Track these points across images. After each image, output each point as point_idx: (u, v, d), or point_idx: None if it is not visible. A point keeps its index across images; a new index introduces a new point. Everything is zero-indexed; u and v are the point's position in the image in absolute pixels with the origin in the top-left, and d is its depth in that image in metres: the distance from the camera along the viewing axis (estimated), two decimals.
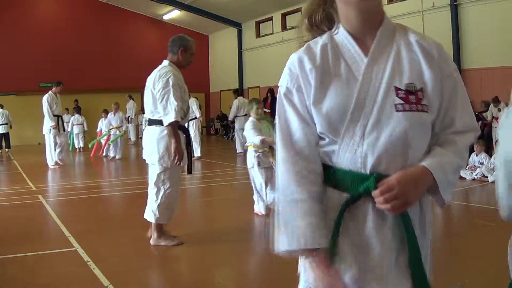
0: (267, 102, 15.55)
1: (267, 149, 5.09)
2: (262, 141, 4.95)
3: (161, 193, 3.93)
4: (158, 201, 3.92)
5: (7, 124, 15.33)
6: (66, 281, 3.32)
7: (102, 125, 12.68)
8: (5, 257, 3.84)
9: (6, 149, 15.14)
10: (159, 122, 3.89)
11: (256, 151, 5.07)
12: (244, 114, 12.77)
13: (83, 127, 14.95)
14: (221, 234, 4.67)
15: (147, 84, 4.01)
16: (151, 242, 4.03)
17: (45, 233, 4.71)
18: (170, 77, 3.85)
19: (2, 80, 17.62)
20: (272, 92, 16.03)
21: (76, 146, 14.59)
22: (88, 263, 3.62)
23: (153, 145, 3.90)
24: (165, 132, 3.87)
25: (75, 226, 4.92)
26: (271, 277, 3.44)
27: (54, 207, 6.06)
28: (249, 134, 5.14)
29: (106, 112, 12.92)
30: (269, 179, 5.13)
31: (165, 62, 4.05)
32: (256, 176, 5.11)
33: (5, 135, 15.28)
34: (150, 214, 3.96)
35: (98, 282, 3.21)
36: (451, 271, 3.32)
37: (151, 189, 3.96)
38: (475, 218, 5.01)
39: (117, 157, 11.67)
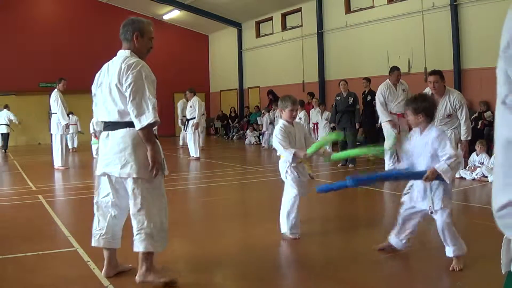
0: (270, 105, 15.54)
1: (304, 161, 4.23)
2: (294, 156, 4.05)
3: (152, 212, 3.13)
4: (152, 224, 3.11)
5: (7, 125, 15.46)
6: (66, 281, 3.32)
7: (96, 125, 12.61)
8: (5, 257, 3.84)
9: (3, 150, 15.20)
10: (131, 125, 3.10)
11: (289, 162, 4.18)
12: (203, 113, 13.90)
13: (77, 127, 15.00)
14: (221, 234, 4.67)
15: (103, 79, 3.29)
16: (137, 278, 3.15)
17: (45, 233, 4.70)
18: (142, 68, 3.10)
19: (2, 80, 17.63)
20: (273, 94, 16.01)
21: (70, 146, 14.58)
22: (88, 263, 3.62)
23: (127, 153, 3.11)
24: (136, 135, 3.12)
25: (75, 226, 4.92)
26: (271, 278, 3.44)
27: (54, 207, 6.06)
28: (278, 144, 4.17)
29: None
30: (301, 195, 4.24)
31: (126, 52, 3.25)
32: (288, 191, 4.27)
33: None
34: (144, 243, 3.10)
35: (98, 282, 3.21)
36: (451, 271, 3.32)
37: (136, 213, 3.12)
38: (475, 218, 5.01)
39: None
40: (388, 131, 7.42)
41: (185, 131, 12.61)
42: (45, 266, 3.66)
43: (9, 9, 18.19)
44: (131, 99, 3.05)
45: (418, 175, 3.30)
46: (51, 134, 10.12)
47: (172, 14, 19.82)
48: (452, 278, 3.20)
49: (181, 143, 14.76)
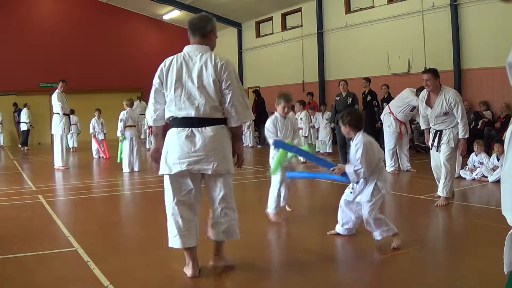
0: (253, 105, 15.52)
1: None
2: (274, 143, 4.63)
3: (234, 205, 3.41)
4: (236, 215, 3.40)
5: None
6: (66, 281, 3.32)
7: (97, 125, 12.61)
8: (5, 257, 3.84)
9: (22, 146, 16.00)
10: (222, 122, 3.23)
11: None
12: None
13: (77, 127, 15.05)
14: None
15: (180, 74, 3.22)
16: (213, 263, 3.39)
17: (45, 233, 4.70)
18: (234, 67, 3.31)
19: (2, 80, 17.64)
20: (258, 94, 16.03)
21: (70, 146, 14.60)
22: (88, 263, 3.61)
23: (227, 150, 3.26)
24: (227, 132, 3.28)
25: (75, 226, 4.92)
26: (270, 276, 3.43)
27: (54, 207, 6.06)
28: (267, 133, 4.92)
29: (99, 111, 12.86)
30: (285, 180, 4.91)
31: (206, 48, 3.39)
32: (274, 177, 4.90)
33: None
34: (236, 233, 3.38)
35: (98, 282, 3.21)
36: (451, 271, 3.32)
37: (225, 207, 3.31)
38: (475, 218, 5.01)
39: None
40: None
41: None
42: (45, 266, 3.66)
43: (9, 9, 18.19)
44: (233, 97, 3.16)
45: (330, 166, 3.97)
46: (52, 134, 10.12)
47: (172, 14, 19.82)
48: (452, 278, 3.20)
49: None
